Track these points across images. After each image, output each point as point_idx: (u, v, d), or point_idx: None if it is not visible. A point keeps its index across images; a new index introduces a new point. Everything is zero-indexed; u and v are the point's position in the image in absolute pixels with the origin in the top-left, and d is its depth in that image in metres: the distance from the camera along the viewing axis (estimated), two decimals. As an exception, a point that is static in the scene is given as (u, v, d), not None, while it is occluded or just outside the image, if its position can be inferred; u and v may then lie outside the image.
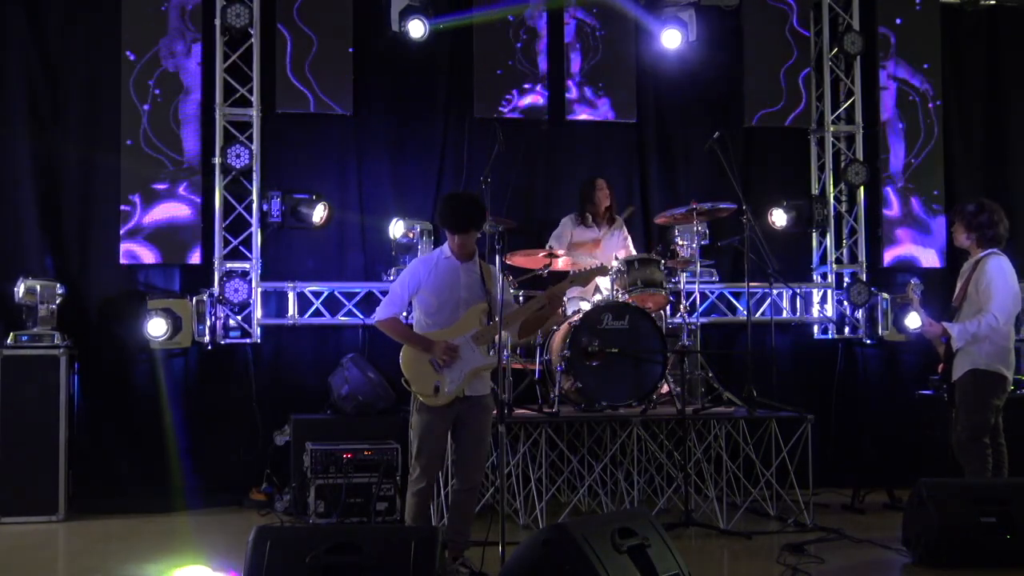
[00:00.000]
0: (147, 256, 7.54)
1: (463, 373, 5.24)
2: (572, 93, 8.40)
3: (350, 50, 7.95)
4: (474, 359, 5.28)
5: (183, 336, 7.42)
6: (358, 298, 7.92)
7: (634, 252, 7.65)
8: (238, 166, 7.63)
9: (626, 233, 7.82)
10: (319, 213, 7.80)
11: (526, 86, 8.29)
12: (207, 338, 7.52)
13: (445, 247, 5.41)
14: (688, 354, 7.11)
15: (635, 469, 6.73)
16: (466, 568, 5.34)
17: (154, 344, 7.35)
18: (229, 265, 7.71)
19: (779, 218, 8.51)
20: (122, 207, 7.50)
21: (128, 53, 7.56)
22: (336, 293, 7.91)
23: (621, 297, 6.93)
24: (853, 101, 8.71)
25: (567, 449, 7.06)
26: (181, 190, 7.59)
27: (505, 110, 8.24)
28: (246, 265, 7.75)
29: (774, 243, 8.09)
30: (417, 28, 7.82)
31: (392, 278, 7.37)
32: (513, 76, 8.26)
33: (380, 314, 5.46)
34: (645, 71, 8.55)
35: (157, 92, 7.58)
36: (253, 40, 7.75)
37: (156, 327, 7.30)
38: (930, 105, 8.75)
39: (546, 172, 8.40)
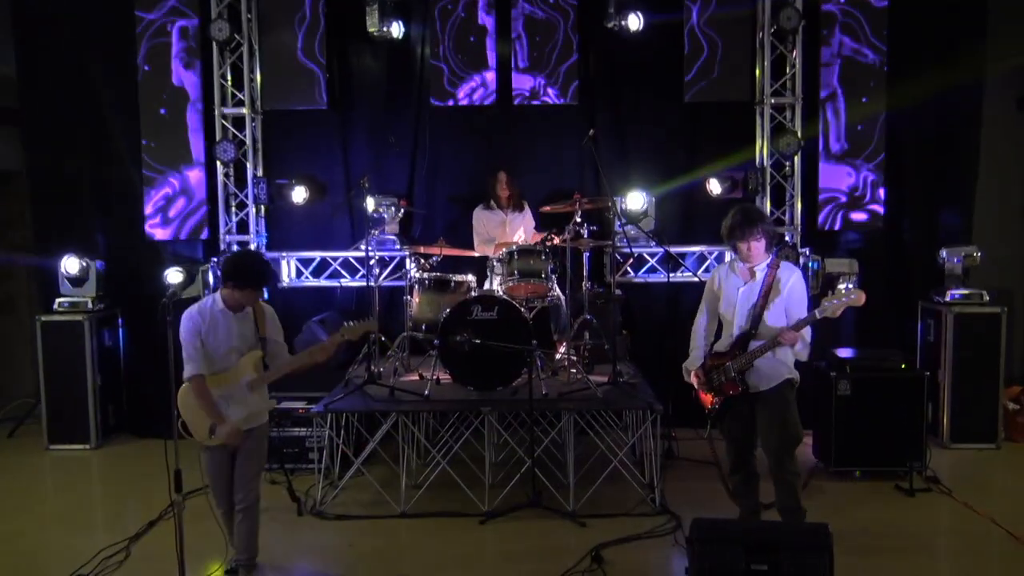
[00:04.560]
0: (165, 234, 9.28)
1: (239, 419, 5.44)
2: (519, 80, 9.10)
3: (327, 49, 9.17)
4: (249, 404, 5.49)
5: (195, 288, 8.99)
6: (339, 261, 9.44)
7: (533, 232, 8.53)
8: (231, 158, 9.16)
9: (530, 215, 8.70)
10: (300, 194, 9.22)
11: (476, 76, 9.15)
12: (213, 299, 9.22)
13: (218, 297, 5.49)
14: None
15: (490, 454, 7.47)
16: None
17: (171, 294, 8.95)
18: (231, 239, 9.36)
19: (715, 186, 9.01)
20: (145, 195, 9.26)
21: (145, 67, 9.18)
22: (327, 259, 9.45)
23: (501, 286, 7.66)
24: (794, 74, 8.96)
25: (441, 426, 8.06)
26: (190, 179, 9.26)
27: (459, 99, 9.14)
28: (249, 238, 9.38)
29: (711, 209, 8.65)
30: (395, 29, 9.00)
31: (364, 246, 8.28)
32: (466, 67, 9.13)
33: (187, 372, 5.42)
34: (589, 54, 9.11)
35: (166, 99, 9.21)
36: (244, 47, 9.17)
37: (173, 276, 8.84)
38: (872, 80, 8.91)
39: (497, 157, 9.12)
